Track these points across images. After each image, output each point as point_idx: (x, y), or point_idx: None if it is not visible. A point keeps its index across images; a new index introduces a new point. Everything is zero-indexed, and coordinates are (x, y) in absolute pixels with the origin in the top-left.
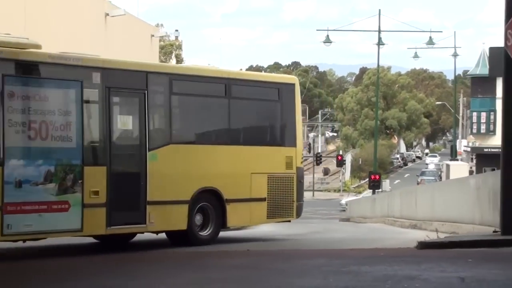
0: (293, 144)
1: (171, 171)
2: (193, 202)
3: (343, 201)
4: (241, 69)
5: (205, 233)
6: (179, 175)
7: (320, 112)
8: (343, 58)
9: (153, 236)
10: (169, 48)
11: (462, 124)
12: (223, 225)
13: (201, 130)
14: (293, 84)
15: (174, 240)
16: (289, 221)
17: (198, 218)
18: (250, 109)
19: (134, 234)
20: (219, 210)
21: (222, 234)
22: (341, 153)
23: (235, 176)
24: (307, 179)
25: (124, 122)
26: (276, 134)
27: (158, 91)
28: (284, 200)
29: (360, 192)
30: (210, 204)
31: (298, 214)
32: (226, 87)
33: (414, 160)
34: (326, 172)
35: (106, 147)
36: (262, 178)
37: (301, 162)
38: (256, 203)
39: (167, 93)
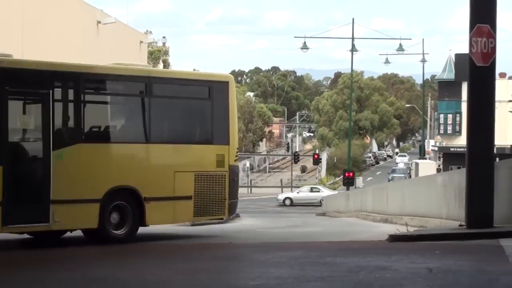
0: (226, 142)
1: (79, 170)
2: (106, 201)
3: (280, 197)
4: (230, 73)
5: (120, 231)
6: (88, 174)
7: (297, 114)
8: (319, 64)
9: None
10: (157, 54)
11: (430, 125)
12: (142, 223)
13: (115, 129)
14: (227, 82)
15: (89, 238)
16: (222, 219)
17: (114, 217)
18: (175, 108)
19: (65, 231)
20: (137, 209)
21: (206, 227)
22: (317, 152)
23: (155, 175)
24: (286, 176)
25: (25, 122)
26: (206, 133)
27: (66, 91)
28: (214, 198)
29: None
30: (127, 203)
31: (231, 212)
32: (147, 85)
33: (385, 159)
34: (303, 169)
35: (2, 147)
36: (188, 177)
37: (235, 160)
38: (181, 201)
39: (77, 92)
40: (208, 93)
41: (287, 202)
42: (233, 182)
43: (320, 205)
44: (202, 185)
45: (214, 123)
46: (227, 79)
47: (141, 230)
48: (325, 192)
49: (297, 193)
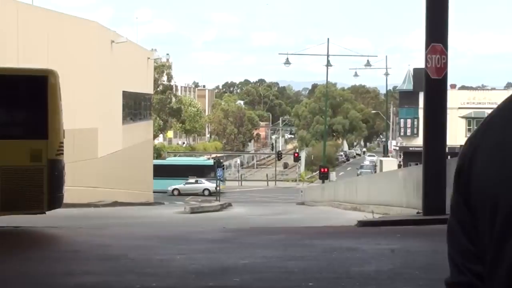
0: (44, 137)
1: None
2: None
3: (169, 188)
4: (217, 86)
5: None
6: None
7: (280, 119)
8: (299, 76)
9: None
10: (161, 68)
11: (392, 128)
12: None
13: None
14: (45, 77)
15: None
16: (43, 213)
17: None
18: None
19: None
20: None
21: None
22: (297, 151)
23: None
24: (271, 171)
25: None
26: (17, 127)
27: None
28: (29, 192)
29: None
30: None
31: (53, 206)
32: None
33: (354, 157)
34: (285, 166)
35: None
36: None
37: (58, 154)
38: None
39: None
40: (22, 87)
41: (175, 192)
42: (54, 176)
43: (203, 195)
44: (10, 180)
45: (28, 118)
46: (46, 73)
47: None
48: (206, 184)
49: (184, 185)
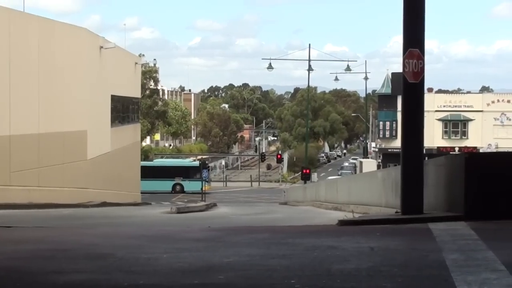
0: None
1: None
2: None
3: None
4: (203, 90)
5: None
6: None
7: (264, 122)
8: (282, 81)
9: None
10: (149, 73)
11: (372, 130)
12: None
13: None
14: None
15: None
16: None
17: None
18: None
19: None
20: None
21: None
22: (280, 152)
23: None
24: (254, 172)
25: None
26: None
27: None
28: None
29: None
30: None
31: None
32: None
33: (335, 158)
34: (269, 167)
35: None
36: None
37: None
38: None
39: None
40: None
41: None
42: None
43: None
44: None
45: None
46: None
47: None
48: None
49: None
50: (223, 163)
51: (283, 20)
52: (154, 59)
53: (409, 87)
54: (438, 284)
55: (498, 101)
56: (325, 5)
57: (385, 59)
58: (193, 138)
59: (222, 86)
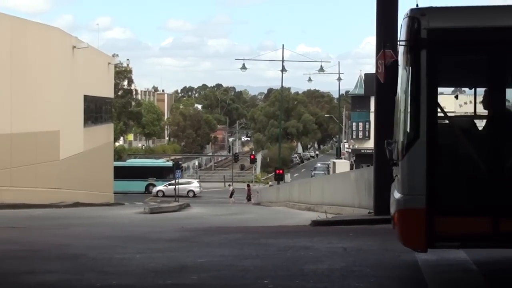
0: None
1: None
2: None
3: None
4: (176, 90)
5: None
6: None
7: (237, 122)
8: (255, 81)
9: None
10: (123, 74)
11: (345, 131)
12: None
13: None
14: None
15: None
16: None
17: None
18: None
19: None
20: None
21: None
22: (253, 153)
23: None
24: (228, 172)
25: None
26: None
27: None
28: None
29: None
30: None
31: None
32: None
33: (308, 159)
34: (242, 167)
35: None
36: None
37: None
38: None
39: None
40: None
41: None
42: None
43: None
44: None
45: None
46: None
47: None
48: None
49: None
50: (197, 163)
51: (254, 20)
52: (127, 59)
53: (382, 88)
54: (409, 284)
55: (470, 102)
56: (297, 6)
57: (357, 60)
58: (166, 138)
59: (195, 87)
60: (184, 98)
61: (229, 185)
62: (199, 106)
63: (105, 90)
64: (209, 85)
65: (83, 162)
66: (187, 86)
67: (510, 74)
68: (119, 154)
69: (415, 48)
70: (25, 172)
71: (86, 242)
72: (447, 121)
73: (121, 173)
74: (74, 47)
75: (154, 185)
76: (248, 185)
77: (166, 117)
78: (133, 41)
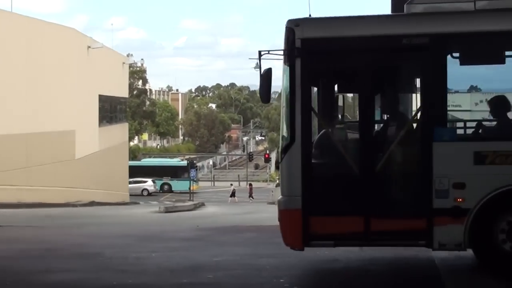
0: None
1: None
2: None
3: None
4: (190, 89)
5: None
6: None
7: (251, 121)
8: None
9: None
10: (138, 74)
11: None
12: None
13: None
14: None
15: None
16: None
17: None
18: None
19: None
20: None
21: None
22: (268, 152)
23: None
24: (243, 172)
25: None
26: None
27: None
28: None
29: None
30: None
31: None
32: None
33: None
34: (256, 167)
35: None
36: None
37: None
38: None
39: None
40: None
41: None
42: None
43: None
44: None
45: None
46: None
47: None
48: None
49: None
50: (211, 162)
51: (267, 19)
52: (142, 59)
53: None
54: (427, 283)
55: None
56: (313, 5)
57: None
58: (181, 137)
59: (209, 86)
60: (198, 98)
61: (231, 184)
62: (213, 106)
63: (120, 89)
64: (223, 84)
65: (98, 162)
66: (201, 86)
67: (376, 81)
68: (134, 154)
69: (291, 56)
70: (41, 172)
71: (102, 241)
72: (322, 125)
73: (136, 172)
74: (89, 47)
75: (169, 185)
76: (250, 184)
77: (180, 116)
78: (147, 41)
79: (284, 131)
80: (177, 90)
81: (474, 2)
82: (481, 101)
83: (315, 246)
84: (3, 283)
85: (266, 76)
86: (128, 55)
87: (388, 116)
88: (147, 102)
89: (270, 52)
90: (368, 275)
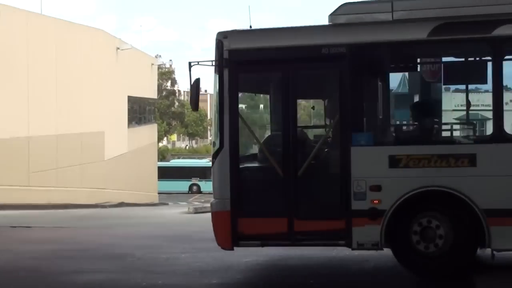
0: None
1: None
2: None
3: None
4: None
5: None
6: None
7: None
8: None
9: None
10: (167, 75)
11: None
12: None
13: None
14: None
15: None
16: None
17: None
18: None
19: None
20: None
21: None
22: None
23: None
24: None
25: None
26: None
27: None
28: None
29: None
30: None
31: None
32: None
33: None
34: None
35: None
36: None
37: None
38: None
39: None
40: None
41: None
42: None
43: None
44: None
45: None
46: None
47: None
48: None
49: None
50: None
51: (300, 19)
52: (170, 60)
53: None
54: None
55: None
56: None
57: None
58: (209, 138)
59: None
60: None
61: None
62: (243, 106)
63: (149, 91)
64: None
65: (127, 163)
66: None
67: (297, 88)
68: (163, 155)
69: (219, 66)
70: (71, 173)
71: (132, 241)
72: (248, 131)
73: (165, 173)
74: (118, 48)
75: (198, 185)
76: None
77: (209, 117)
78: (176, 42)
79: (214, 137)
80: (205, 91)
81: (392, 13)
82: (397, 106)
83: (243, 246)
84: (34, 284)
85: (195, 86)
86: (156, 56)
87: (312, 121)
88: (176, 103)
89: (200, 63)
90: (400, 276)
